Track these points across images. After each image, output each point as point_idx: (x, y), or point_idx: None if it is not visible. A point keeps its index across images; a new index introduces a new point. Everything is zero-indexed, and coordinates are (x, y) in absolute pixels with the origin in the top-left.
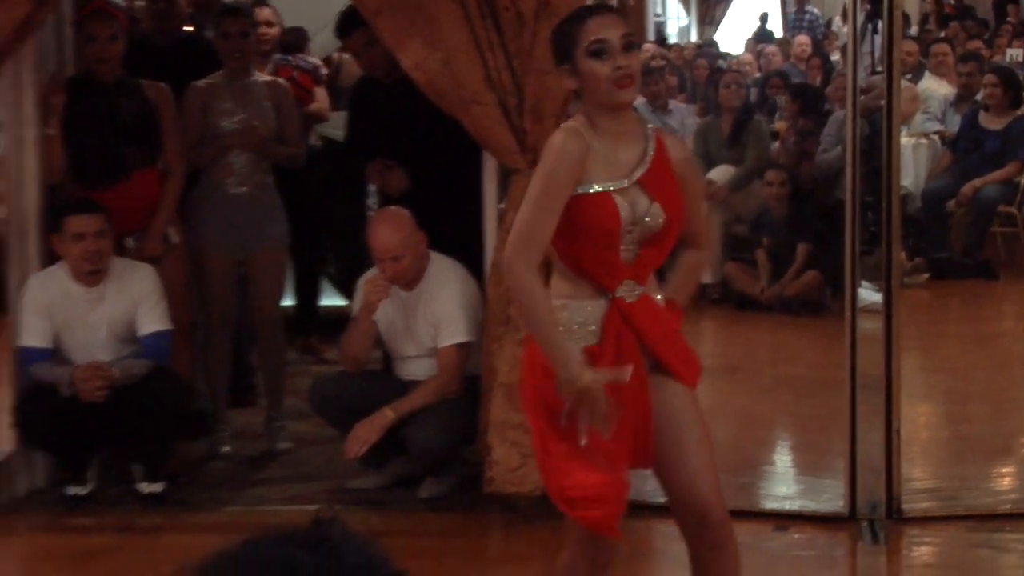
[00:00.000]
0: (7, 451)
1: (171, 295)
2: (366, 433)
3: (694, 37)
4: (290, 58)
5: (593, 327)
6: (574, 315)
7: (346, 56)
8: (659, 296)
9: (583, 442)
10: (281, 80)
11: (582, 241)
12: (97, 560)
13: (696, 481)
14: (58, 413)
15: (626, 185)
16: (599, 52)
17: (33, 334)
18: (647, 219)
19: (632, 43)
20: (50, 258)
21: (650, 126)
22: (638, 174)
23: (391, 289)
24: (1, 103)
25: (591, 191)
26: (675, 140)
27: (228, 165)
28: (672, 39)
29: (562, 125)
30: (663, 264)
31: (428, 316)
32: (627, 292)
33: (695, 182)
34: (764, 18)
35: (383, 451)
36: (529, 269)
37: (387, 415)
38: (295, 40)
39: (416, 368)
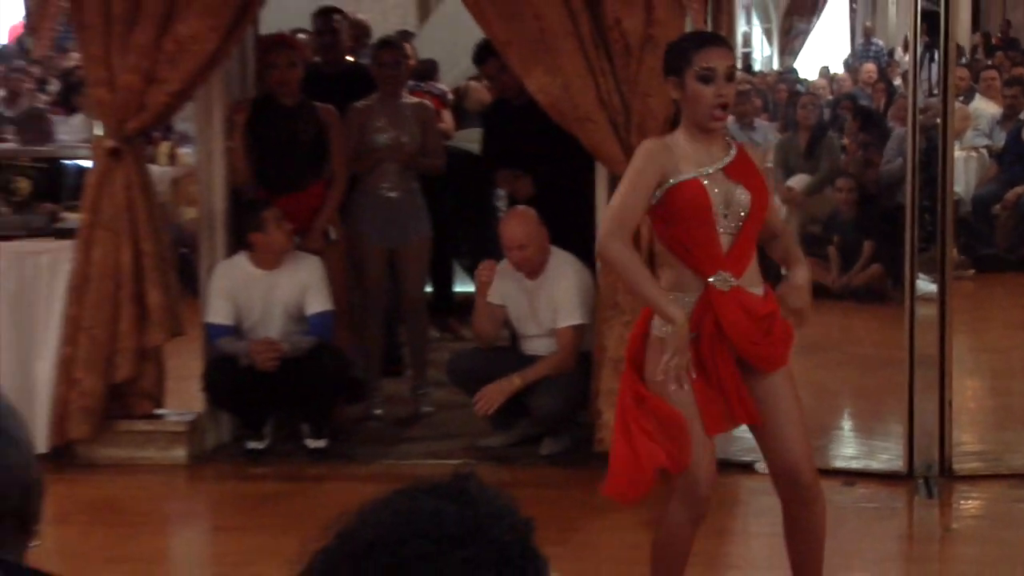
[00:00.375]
0: (197, 412)
1: (332, 282)
2: (494, 394)
3: (776, 65)
4: (422, 84)
5: (688, 311)
6: (676, 298)
7: (472, 84)
8: (758, 289)
9: (672, 388)
10: (427, 102)
11: (683, 227)
12: (271, 504)
13: (790, 448)
14: (238, 380)
15: (711, 171)
16: (707, 78)
17: (218, 313)
18: (736, 200)
19: (733, 74)
20: (233, 249)
21: (731, 139)
22: (722, 164)
23: (495, 271)
24: (194, 121)
25: (681, 179)
26: (754, 149)
27: (382, 173)
28: (757, 67)
29: (650, 138)
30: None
31: (549, 301)
32: (721, 282)
33: (769, 183)
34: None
35: (510, 415)
36: (623, 244)
37: (514, 381)
38: (427, 70)
39: (538, 345)
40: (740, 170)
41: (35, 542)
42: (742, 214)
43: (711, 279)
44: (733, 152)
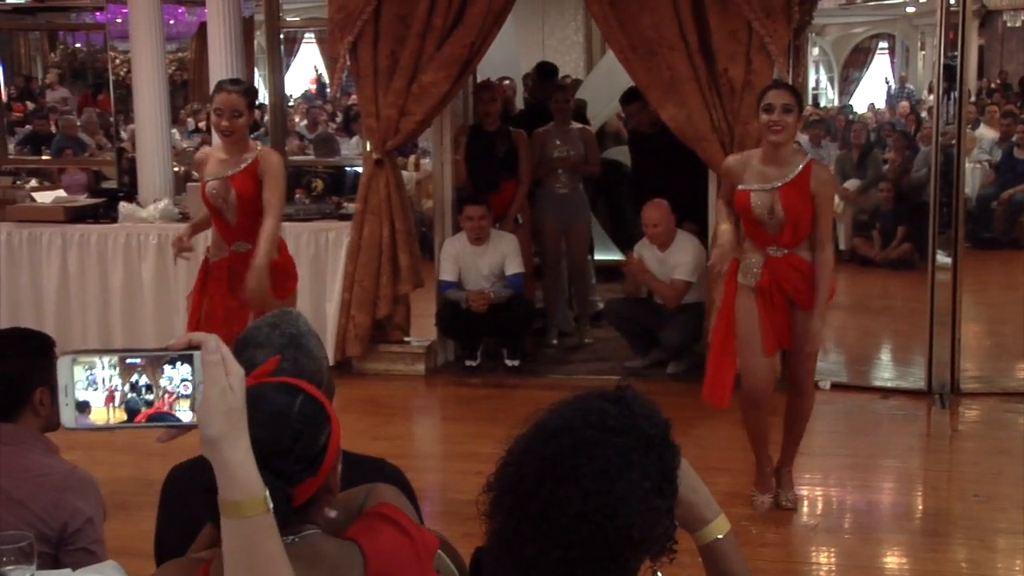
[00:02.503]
0: (432, 339)
1: (522, 252)
2: (637, 271)
3: (836, 102)
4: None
5: (756, 269)
6: (750, 260)
7: (611, 119)
8: (808, 255)
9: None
10: (587, 127)
11: (744, 217)
12: (481, 402)
13: (796, 365)
14: (460, 318)
15: (764, 189)
16: (767, 109)
17: (447, 272)
18: (775, 215)
19: (789, 108)
20: (456, 228)
21: (809, 157)
22: (775, 185)
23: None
24: (431, 140)
25: (741, 188)
26: (822, 168)
27: (556, 177)
28: (823, 103)
29: (733, 154)
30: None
31: (671, 263)
32: (775, 251)
33: (826, 202)
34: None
35: (647, 344)
36: (720, 203)
37: (647, 274)
38: (579, 108)
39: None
40: (789, 193)
41: None
42: (781, 224)
43: (768, 250)
44: (793, 174)
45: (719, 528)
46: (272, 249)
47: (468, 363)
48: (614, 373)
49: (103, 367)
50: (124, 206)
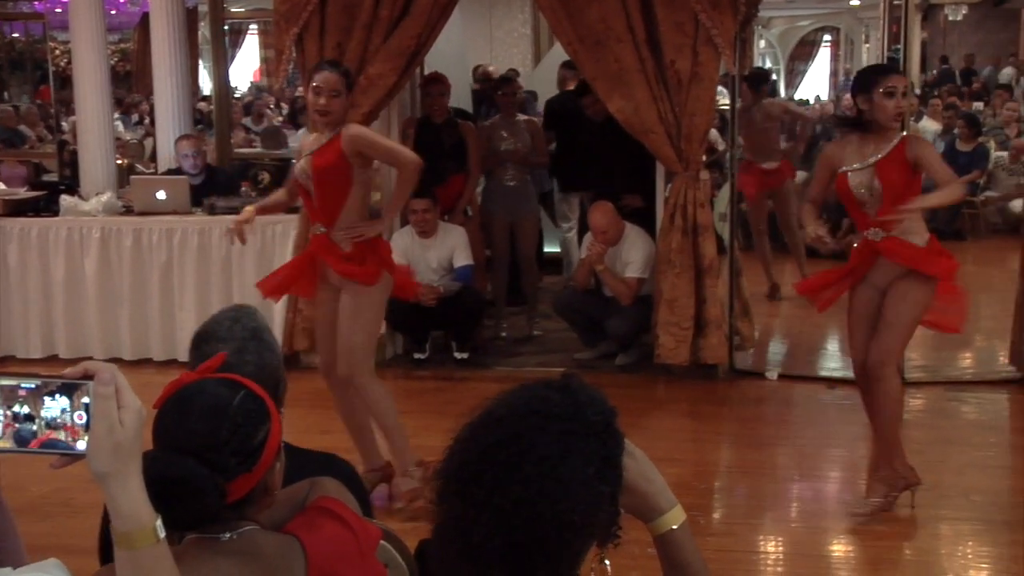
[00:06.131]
0: (381, 332)
1: (471, 245)
2: (595, 256)
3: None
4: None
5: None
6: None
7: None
8: (915, 238)
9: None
10: (535, 119)
11: (847, 202)
12: (429, 395)
13: (877, 339)
14: (408, 311)
15: (862, 167)
16: (890, 94)
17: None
18: (873, 191)
19: (907, 93)
20: (404, 222)
21: (904, 133)
22: (871, 161)
23: (604, 252)
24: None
25: (842, 171)
26: (915, 137)
27: (504, 170)
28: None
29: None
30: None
31: (623, 260)
32: (873, 235)
33: (931, 159)
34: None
35: (595, 336)
36: (807, 205)
37: (599, 266)
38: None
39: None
40: (886, 167)
41: None
42: (879, 198)
43: (867, 234)
44: (889, 149)
45: (674, 518)
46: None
47: (417, 356)
48: (563, 365)
49: None
50: (66, 199)
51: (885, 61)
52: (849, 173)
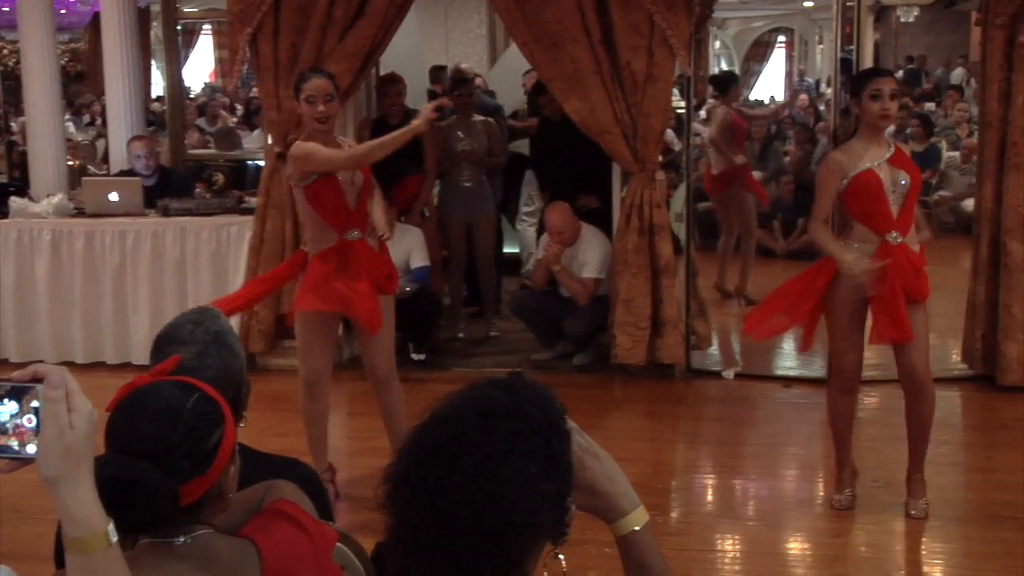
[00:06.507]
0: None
1: (428, 246)
2: (552, 256)
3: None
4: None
5: (867, 258)
6: (859, 253)
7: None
8: (916, 246)
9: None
10: (491, 120)
11: (864, 203)
12: None
13: (914, 357)
14: None
15: (879, 163)
16: (875, 96)
17: None
18: (901, 182)
19: (896, 94)
20: None
21: (891, 141)
22: (886, 157)
23: (561, 253)
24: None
25: (861, 170)
26: (904, 147)
27: (460, 170)
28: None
29: (836, 149)
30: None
31: (580, 260)
32: (892, 239)
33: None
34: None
35: (552, 337)
36: (820, 224)
37: (556, 267)
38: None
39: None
40: (900, 160)
41: (242, 423)
42: (905, 192)
43: (886, 237)
44: (892, 148)
45: (636, 519)
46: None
47: None
48: (521, 366)
49: None
50: (15, 201)
51: (838, 62)
52: (873, 169)
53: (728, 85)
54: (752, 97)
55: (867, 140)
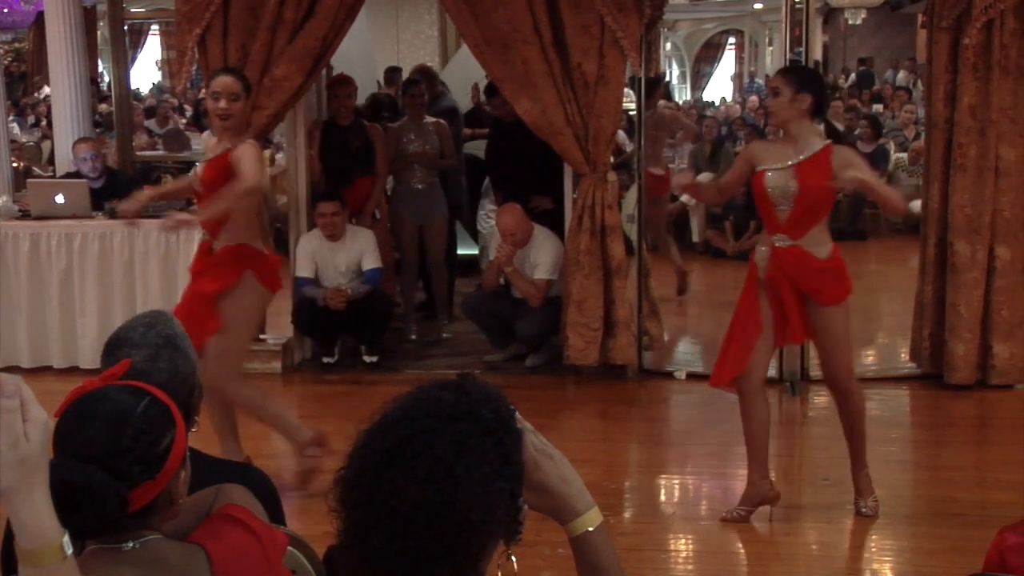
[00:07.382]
0: (288, 336)
1: (380, 248)
2: (503, 258)
3: (689, 96)
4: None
5: (764, 263)
6: (761, 251)
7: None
8: (819, 250)
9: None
10: (442, 121)
11: (758, 202)
12: (338, 400)
13: (834, 362)
14: (316, 315)
15: (781, 167)
16: (774, 93)
17: (303, 269)
18: (788, 193)
19: (777, 91)
20: (312, 225)
21: (828, 141)
22: (791, 163)
23: (513, 254)
24: (284, 134)
25: (759, 169)
26: (844, 148)
27: (412, 172)
28: (676, 97)
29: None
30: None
31: (532, 262)
32: (781, 241)
33: (858, 166)
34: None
35: (504, 338)
36: (714, 183)
37: (508, 268)
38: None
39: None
40: (807, 170)
41: (194, 428)
42: (792, 200)
43: (773, 240)
44: (808, 154)
45: (591, 520)
46: (216, 210)
47: (326, 360)
48: (473, 367)
49: None
50: None
51: (788, 63)
52: (767, 173)
53: (651, 88)
54: (704, 98)
55: (786, 141)
